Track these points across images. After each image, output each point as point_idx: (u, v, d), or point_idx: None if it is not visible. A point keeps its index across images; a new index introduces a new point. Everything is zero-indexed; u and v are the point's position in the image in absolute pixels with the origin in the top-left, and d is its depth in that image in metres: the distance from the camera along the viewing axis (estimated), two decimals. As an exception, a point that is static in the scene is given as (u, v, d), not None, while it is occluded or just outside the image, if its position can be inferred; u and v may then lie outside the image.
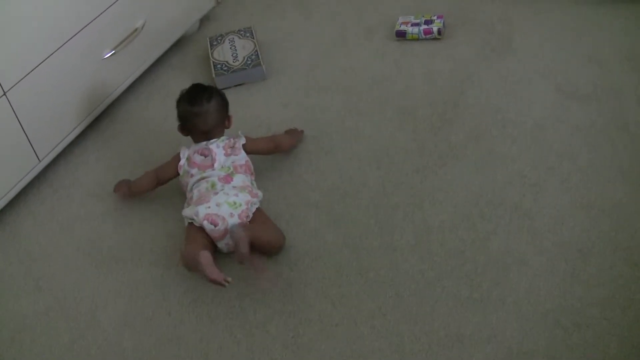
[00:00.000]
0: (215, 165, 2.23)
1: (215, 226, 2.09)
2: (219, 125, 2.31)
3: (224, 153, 2.25)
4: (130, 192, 2.37)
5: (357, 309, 1.96)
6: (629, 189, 2.14)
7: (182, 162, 2.30)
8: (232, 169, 2.23)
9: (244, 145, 2.30)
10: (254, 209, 2.15)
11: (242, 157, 2.28)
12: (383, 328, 1.90)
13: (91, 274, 2.19)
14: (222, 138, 2.29)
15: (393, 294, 1.98)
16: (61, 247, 2.29)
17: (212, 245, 2.11)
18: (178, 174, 2.31)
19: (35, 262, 2.26)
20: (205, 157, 2.25)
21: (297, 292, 2.03)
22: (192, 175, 2.25)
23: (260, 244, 2.06)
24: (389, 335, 1.89)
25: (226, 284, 1.94)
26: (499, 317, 1.88)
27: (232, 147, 2.27)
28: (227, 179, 2.20)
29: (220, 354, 1.92)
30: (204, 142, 2.28)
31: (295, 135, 2.48)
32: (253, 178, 2.29)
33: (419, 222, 2.16)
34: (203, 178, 2.22)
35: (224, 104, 2.33)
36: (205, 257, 1.96)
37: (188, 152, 2.30)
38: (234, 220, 2.10)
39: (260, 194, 2.23)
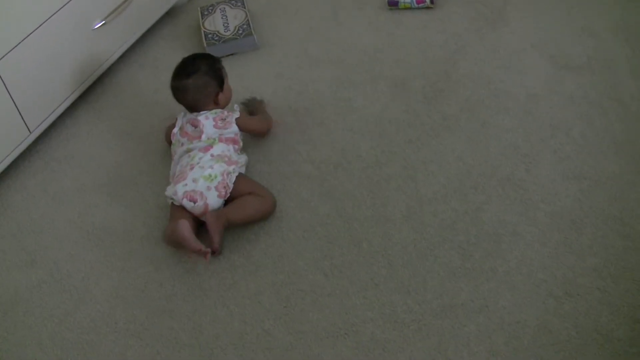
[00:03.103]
0: (203, 137, 2.22)
1: (194, 203, 2.08)
2: (202, 100, 2.28)
3: (213, 124, 2.24)
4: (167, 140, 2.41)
5: (350, 279, 1.96)
6: (621, 160, 2.14)
7: (176, 130, 2.30)
8: (216, 141, 2.22)
9: (237, 119, 2.28)
10: (233, 178, 2.13)
11: (231, 131, 2.26)
12: (375, 298, 1.91)
13: (83, 247, 2.18)
14: (215, 110, 2.28)
15: (385, 265, 1.98)
16: (53, 220, 2.28)
17: (196, 221, 2.11)
18: (171, 142, 2.31)
19: (27, 235, 2.25)
20: (195, 128, 2.25)
21: (289, 263, 2.03)
22: (182, 145, 2.25)
23: (239, 224, 2.07)
24: (382, 305, 1.89)
25: (208, 254, 1.98)
26: (491, 287, 1.88)
27: (223, 120, 2.26)
28: (207, 148, 2.19)
29: (213, 325, 1.92)
30: (195, 113, 2.28)
31: (265, 115, 2.46)
32: (237, 148, 2.27)
33: (411, 193, 2.15)
34: (188, 151, 2.21)
35: (209, 82, 2.29)
36: (183, 226, 1.98)
37: (182, 121, 2.30)
38: (212, 193, 2.09)
39: (242, 160, 2.23)
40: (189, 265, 2.06)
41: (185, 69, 2.28)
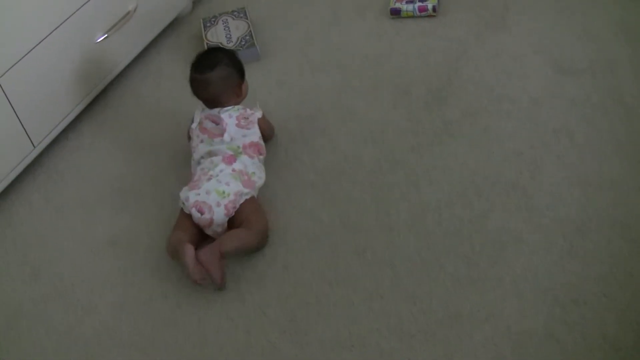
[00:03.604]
0: (225, 135, 2.19)
1: (202, 214, 2.08)
2: (224, 94, 2.25)
3: (235, 123, 2.21)
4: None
5: (355, 289, 1.96)
6: (625, 164, 2.13)
7: (194, 125, 2.27)
8: (240, 148, 2.19)
9: (259, 120, 2.26)
10: (242, 200, 2.11)
11: (254, 133, 2.24)
12: (381, 309, 1.90)
13: (87, 260, 2.19)
14: (237, 107, 2.25)
15: (390, 274, 1.97)
16: (57, 233, 2.29)
17: (200, 232, 2.11)
18: (190, 137, 2.29)
19: (31, 248, 2.25)
20: (217, 125, 2.22)
21: (293, 274, 2.02)
22: (202, 141, 2.22)
23: (232, 254, 2.04)
24: (387, 316, 1.88)
25: (203, 283, 1.99)
26: (497, 296, 1.87)
27: (246, 119, 2.23)
28: (231, 159, 2.16)
29: (218, 337, 1.92)
30: (217, 109, 2.24)
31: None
32: (262, 157, 2.25)
33: (415, 201, 2.15)
34: (210, 154, 2.19)
35: (232, 73, 2.27)
36: (189, 252, 1.96)
37: (200, 116, 2.27)
38: (220, 210, 2.07)
39: (258, 183, 2.19)
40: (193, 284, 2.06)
41: (207, 61, 2.25)
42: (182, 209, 2.14)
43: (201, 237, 2.11)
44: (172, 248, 2.06)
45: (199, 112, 2.29)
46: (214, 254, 1.98)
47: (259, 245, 2.09)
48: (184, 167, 2.35)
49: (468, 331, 1.81)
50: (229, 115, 2.22)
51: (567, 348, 1.74)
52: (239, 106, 2.27)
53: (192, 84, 2.27)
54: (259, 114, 2.28)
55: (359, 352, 1.82)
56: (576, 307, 1.81)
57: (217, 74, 2.23)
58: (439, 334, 1.82)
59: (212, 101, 2.26)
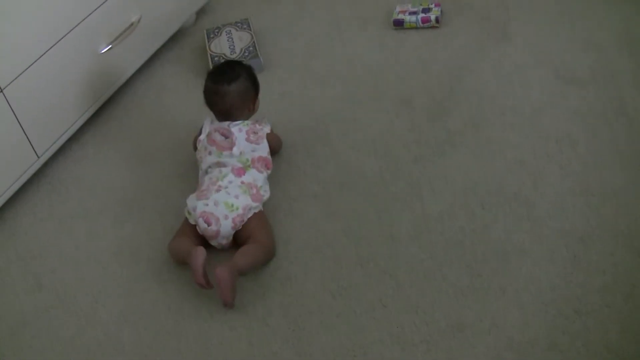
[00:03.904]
0: (234, 149, 2.19)
1: (208, 225, 2.08)
2: (240, 108, 2.26)
3: (245, 138, 2.21)
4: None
5: (357, 300, 1.96)
6: (628, 174, 2.13)
7: (202, 137, 2.27)
8: (250, 162, 2.20)
9: (267, 135, 2.27)
10: (250, 214, 2.11)
11: (263, 148, 2.24)
12: (383, 319, 1.90)
13: (91, 270, 2.19)
14: (247, 122, 2.25)
15: (393, 285, 1.97)
16: (61, 243, 2.29)
17: (203, 241, 2.11)
18: (196, 148, 2.30)
19: (34, 259, 2.26)
20: (226, 138, 2.22)
21: (296, 285, 2.02)
22: (210, 153, 2.22)
23: (247, 272, 2.03)
24: (390, 326, 1.88)
25: (208, 288, 1.98)
26: (499, 306, 1.87)
27: (255, 134, 2.23)
28: (240, 171, 2.16)
29: (220, 347, 1.92)
30: (227, 123, 2.24)
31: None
32: (269, 172, 2.25)
33: (418, 212, 2.15)
34: (218, 164, 2.19)
35: (250, 88, 2.28)
36: (200, 255, 1.96)
37: (210, 128, 2.27)
38: (228, 222, 2.07)
39: (265, 196, 2.19)
40: (196, 288, 2.05)
41: (227, 74, 2.25)
42: (186, 219, 2.14)
43: (204, 246, 2.10)
44: (175, 251, 2.07)
45: (208, 123, 2.29)
46: (232, 273, 1.95)
47: (267, 260, 2.09)
48: (187, 178, 2.36)
49: (471, 341, 1.81)
50: (239, 130, 2.23)
51: (570, 358, 1.74)
52: (249, 121, 2.27)
53: (208, 94, 2.27)
54: (267, 129, 2.28)
55: (361, 363, 1.82)
56: (579, 318, 1.81)
57: (235, 87, 2.24)
58: (441, 343, 1.82)
59: (225, 113, 2.26)
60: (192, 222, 2.12)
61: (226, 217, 2.08)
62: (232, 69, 2.28)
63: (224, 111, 2.26)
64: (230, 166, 2.17)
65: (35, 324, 2.06)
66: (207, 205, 2.09)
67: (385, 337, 1.86)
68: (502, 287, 1.91)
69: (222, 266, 1.95)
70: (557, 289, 1.88)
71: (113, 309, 2.07)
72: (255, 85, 2.31)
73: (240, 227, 2.10)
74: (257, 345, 1.90)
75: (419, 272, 1.99)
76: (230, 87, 2.23)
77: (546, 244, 1.99)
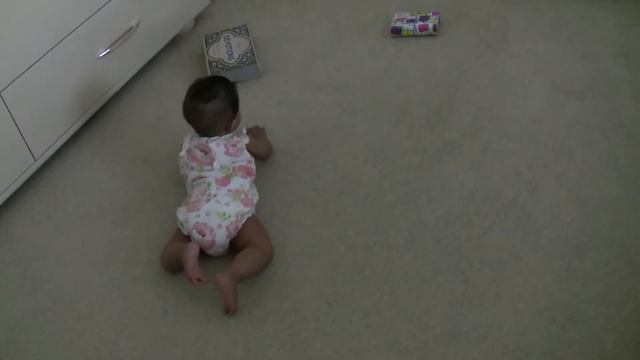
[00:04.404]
0: (215, 164, 2.19)
1: (203, 236, 2.08)
2: (214, 128, 2.24)
3: (224, 152, 2.21)
4: None
5: (353, 307, 1.96)
6: (624, 184, 2.14)
7: (182, 153, 2.27)
8: (231, 170, 2.20)
9: (247, 146, 2.26)
10: (244, 220, 2.11)
11: (243, 159, 2.24)
12: (379, 326, 1.90)
13: (87, 274, 2.19)
14: (225, 136, 2.24)
15: (389, 292, 1.98)
16: (57, 247, 2.29)
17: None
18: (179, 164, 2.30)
19: (31, 262, 2.26)
20: (206, 154, 2.22)
21: (292, 291, 2.03)
22: (191, 169, 2.22)
23: (247, 277, 2.04)
24: (385, 332, 1.89)
25: (199, 285, 1.97)
26: (494, 314, 1.88)
27: (234, 146, 2.23)
28: (225, 181, 2.17)
29: (216, 352, 1.92)
30: (205, 139, 2.24)
31: (266, 140, 2.46)
32: (253, 179, 2.26)
33: (414, 219, 2.16)
34: (201, 177, 2.20)
35: (227, 109, 2.25)
36: (193, 250, 1.97)
37: (190, 144, 2.26)
38: (222, 231, 2.08)
39: (255, 199, 2.20)
40: (193, 293, 2.06)
41: (204, 92, 2.23)
42: (178, 229, 2.15)
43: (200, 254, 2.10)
44: (167, 256, 2.08)
45: (188, 140, 2.29)
46: (233, 279, 1.96)
47: (266, 263, 2.10)
48: (183, 183, 2.36)
49: (465, 349, 1.82)
50: (217, 144, 2.22)
51: (565, 367, 1.75)
52: (227, 135, 2.26)
53: (185, 110, 2.26)
54: (246, 140, 2.27)
55: (357, 369, 1.83)
56: (574, 326, 1.82)
57: (210, 108, 2.22)
58: (436, 351, 1.82)
59: (202, 130, 2.26)
60: (186, 233, 2.12)
61: (220, 226, 2.08)
62: (210, 87, 2.26)
63: (201, 129, 2.26)
64: (213, 178, 2.18)
65: (32, 328, 2.06)
66: (199, 216, 2.10)
67: (380, 344, 1.86)
68: (497, 295, 1.92)
69: (223, 273, 1.95)
70: (552, 297, 1.89)
71: (109, 313, 2.07)
72: (233, 105, 2.28)
73: (236, 234, 2.10)
74: (252, 351, 1.91)
75: (415, 279, 2.00)
76: (206, 107, 2.21)
77: (541, 253, 2.00)
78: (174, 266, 2.09)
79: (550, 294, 1.90)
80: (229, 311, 1.97)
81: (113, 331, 2.02)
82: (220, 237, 2.08)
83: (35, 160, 2.43)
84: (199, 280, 1.97)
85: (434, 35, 2.86)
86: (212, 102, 2.22)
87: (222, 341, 1.94)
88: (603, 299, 1.86)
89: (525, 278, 1.94)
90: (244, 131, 2.33)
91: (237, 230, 2.10)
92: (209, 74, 2.78)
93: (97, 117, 2.75)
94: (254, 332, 1.95)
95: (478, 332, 1.84)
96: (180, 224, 2.13)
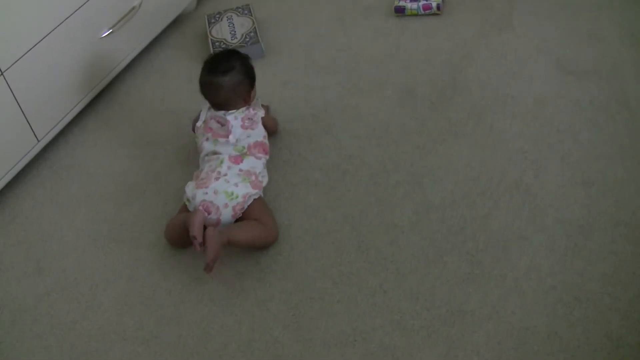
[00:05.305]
0: (230, 137, 2.18)
1: (209, 214, 2.07)
2: (234, 100, 2.22)
3: (241, 125, 2.20)
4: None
5: (358, 286, 1.96)
6: (629, 165, 2.14)
7: (199, 123, 2.26)
8: (246, 148, 2.19)
9: (262, 118, 2.25)
10: (250, 201, 2.11)
11: (259, 133, 2.23)
12: (384, 305, 1.90)
13: (91, 255, 2.19)
14: (242, 109, 2.22)
15: (394, 271, 1.98)
16: (61, 228, 2.29)
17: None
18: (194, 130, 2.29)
19: (35, 243, 2.25)
20: (222, 126, 2.20)
21: (297, 271, 2.03)
22: (207, 139, 2.21)
23: (240, 245, 2.05)
24: (390, 312, 1.89)
25: (199, 248, 1.96)
26: (500, 294, 1.88)
27: (250, 119, 2.22)
28: (237, 159, 2.16)
29: (221, 333, 1.92)
30: (222, 112, 2.22)
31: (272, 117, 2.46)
32: (267, 158, 2.24)
33: (419, 200, 2.15)
34: (215, 153, 2.19)
35: (245, 81, 2.24)
36: (201, 215, 1.99)
37: (206, 115, 2.25)
38: (228, 211, 2.07)
39: (265, 182, 2.19)
40: (197, 273, 2.06)
41: (221, 66, 2.22)
42: (184, 205, 2.14)
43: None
44: (172, 226, 2.09)
45: (206, 110, 2.28)
46: (222, 236, 1.98)
47: (267, 244, 2.09)
48: (187, 164, 2.36)
49: (471, 328, 1.82)
50: (235, 117, 2.21)
51: (570, 346, 1.75)
52: (243, 107, 2.26)
53: (203, 85, 2.24)
54: (261, 113, 2.27)
55: (361, 348, 1.83)
56: (579, 306, 1.82)
57: (229, 80, 2.20)
58: (441, 330, 1.83)
59: (219, 105, 2.24)
60: (191, 210, 2.11)
61: (226, 206, 2.08)
62: (227, 59, 2.25)
63: (219, 102, 2.24)
64: (227, 154, 2.17)
65: (36, 309, 2.06)
66: (206, 194, 2.09)
67: (385, 324, 1.86)
68: (502, 275, 1.92)
69: (214, 229, 1.97)
70: (558, 277, 1.89)
71: (114, 294, 2.07)
72: (250, 77, 2.27)
73: (241, 215, 2.10)
74: (257, 331, 1.91)
75: (420, 259, 1.99)
76: (224, 80, 2.20)
77: (547, 233, 2.00)
78: (178, 237, 2.08)
79: (555, 273, 1.90)
80: (206, 268, 1.95)
81: (117, 312, 2.02)
82: (226, 216, 2.07)
83: (38, 141, 2.43)
84: (201, 244, 1.97)
85: (438, 14, 2.84)
86: (230, 74, 2.21)
87: (227, 321, 1.94)
88: (608, 279, 1.86)
89: (530, 258, 1.94)
90: (259, 103, 2.31)
91: (243, 211, 2.09)
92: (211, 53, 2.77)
93: (100, 98, 2.74)
94: (258, 312, 1.95)
95: (483, 312, 1.84)
96: (187, 199, 2.12)
